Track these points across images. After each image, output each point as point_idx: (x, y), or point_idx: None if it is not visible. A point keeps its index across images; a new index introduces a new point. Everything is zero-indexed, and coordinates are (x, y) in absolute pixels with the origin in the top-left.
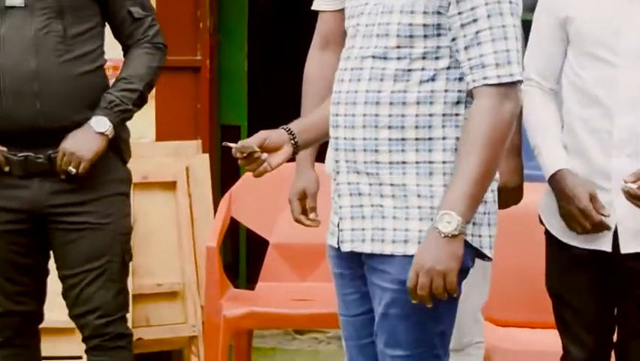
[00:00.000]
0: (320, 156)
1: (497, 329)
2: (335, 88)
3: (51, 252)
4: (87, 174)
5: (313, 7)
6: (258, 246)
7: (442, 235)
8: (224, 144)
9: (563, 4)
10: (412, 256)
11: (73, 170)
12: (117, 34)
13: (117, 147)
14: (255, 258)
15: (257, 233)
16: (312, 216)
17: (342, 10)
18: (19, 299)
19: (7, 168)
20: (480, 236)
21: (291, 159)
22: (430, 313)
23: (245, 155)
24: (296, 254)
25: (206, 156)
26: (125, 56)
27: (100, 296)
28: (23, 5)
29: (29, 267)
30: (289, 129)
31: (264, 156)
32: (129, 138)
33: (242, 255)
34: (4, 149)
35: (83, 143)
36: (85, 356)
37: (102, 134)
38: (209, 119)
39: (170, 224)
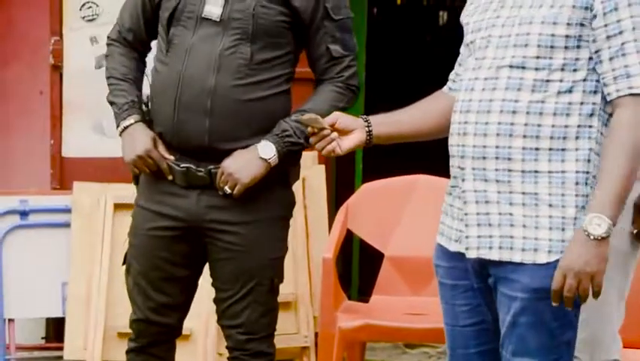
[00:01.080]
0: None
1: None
2: (462, 97)
3: (204, 267)
4: (243, 196)
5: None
6: (370, 258)
7: (592, 237)
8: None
9: None
10: (541, 265)
11: (228, 190)
12: (312, 66)
13: (284, 170)
14: (367, 270)
15: (370, 245)
16: None
17: None
18: (162, 311)
19: (170, 177)
20: None
21: (423, 172)
22: (560, 321)
23: (315, 130)
24: (411, 268)
25: (322, 167)
26: (314, 87)
27: (245, 315)
28: (218, 20)
29: (180, 279)
30: (366, 118)
31: (334, 135)
32: (300, 160)
33: (354, 266)
34: (172, 158)
35: (244, 165)
36: None
37: (265, 160)
38: None
39: None
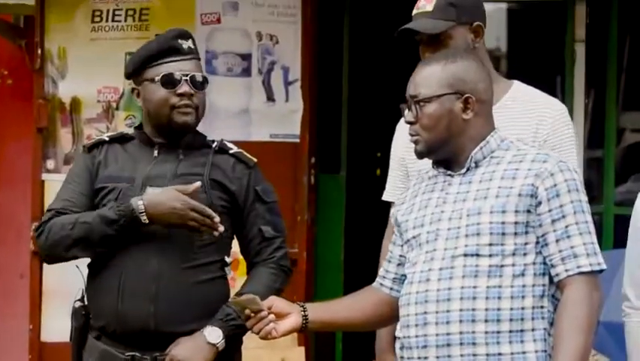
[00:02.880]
0: None
1: None
2: (415, 289)
3: None
4: None
5: (384, 198)
6: None
7: None
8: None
9: None
10: None
11: None
12: (244, 250)
13: (230, 356)
14: None
15: None
16: None
17: None
18: None
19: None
20: None
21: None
22: None
23: (252, 313)
24: None
25: (302, 349)
26: (248, 272)
27: None
28: None
29: None
30: (302, 303)
31: (272, 317)
32: (242, 346)
33: None
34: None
35: (193, 351)
36: None
37: (213, 345)
38: None
39: None
